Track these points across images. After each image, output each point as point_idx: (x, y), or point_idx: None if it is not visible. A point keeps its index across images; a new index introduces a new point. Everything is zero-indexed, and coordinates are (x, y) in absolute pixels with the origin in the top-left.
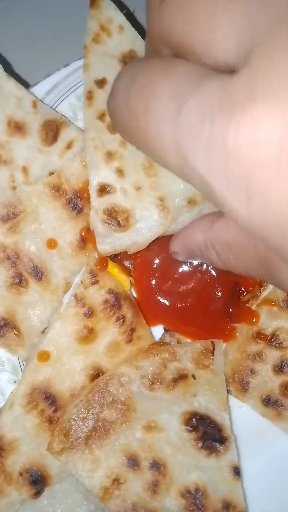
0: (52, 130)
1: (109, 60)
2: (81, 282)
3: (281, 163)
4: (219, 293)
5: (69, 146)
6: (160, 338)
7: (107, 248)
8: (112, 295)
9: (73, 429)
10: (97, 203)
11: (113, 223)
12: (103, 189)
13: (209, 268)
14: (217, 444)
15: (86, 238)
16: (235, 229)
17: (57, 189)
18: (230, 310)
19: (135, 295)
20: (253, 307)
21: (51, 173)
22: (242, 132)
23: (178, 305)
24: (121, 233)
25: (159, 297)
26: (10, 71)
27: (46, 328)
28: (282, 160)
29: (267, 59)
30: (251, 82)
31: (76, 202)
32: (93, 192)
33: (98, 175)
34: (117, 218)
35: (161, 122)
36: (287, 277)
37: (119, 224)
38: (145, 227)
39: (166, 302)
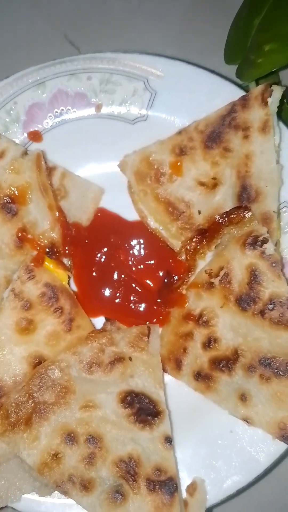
0: None
1: None
2: (18, 278)
3: None
4: (154, 282)
5: (1, 156)
6: (101, 327)
7: None
8: (48, 288)
9: (15, 412)
10: None
11: None
12: None
13: (144, 258)
14: (151, 418)
15: (23, 238)
16: None
17: None
18: (164, 296)
19: (75, 289)
20: (183, 292)
21: None
22: None
23: (117, 296)
24: None
25: (98, 290)
26: None
27: None
28: None
29: None
30: None
31: (10, 206)
32: None
33: None
34: None
35: None
36: None
37: None
38: None
39: (105, 294)
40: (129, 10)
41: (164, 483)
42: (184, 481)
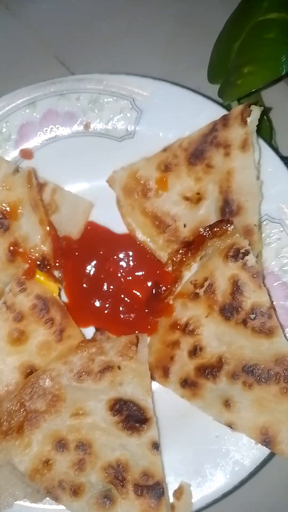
0: None
1: None
2: (10, 290)
3: None
4: (142, 292)
5: None
6: (91, 337)
7: None
8: (40, 300)
9: (7, 421)
10: None
11: None
12: None
13: (132, 270)
14: (139, 424)
15: (15, 252)
16: None
17: None
18: (152, 306)
19: (66, 300)
20: (170, 302)
21: None
22: None
23: (106, 306)
24: None
25: (88, 301)
26: None
27: None
28: None
29: None
30: None
31: (2, 221)
32: None
33: None
34: None
35: None
36: None
37: None
38: None
39: (95, 305)
40: (117, 32)
41: (152, 488)
42: (171, 485)
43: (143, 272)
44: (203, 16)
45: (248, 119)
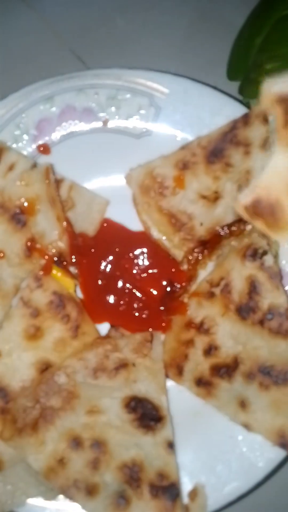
0: None
1: None
2: (27, 286)
3: None
4: (157, 290)
5: (11, 168)
6: (106, 334)
7: None
8: (56, 296)
9: (22, 417)
10: None
11: None
12: None
13: (147, 267)
14: (154, 423)
15: (32, 248)
16: None
17: (1, 206)
18: (166, 304)
19: (81, 296)
20: (185, 300)
21: None
22: None
23: (121, 303)
24: None
25: (103, 297)
26: None
27: None
28: None
29: None
30: None
31: (20, 217)
32: None
33: None
34: None
35: None
36: None
37: None
38: None
39: (110, 301)
40: (133, 27)
41: (167, 489)
42: (185, 486)
43: (158, 270)
44: (222, 10)
45: (270, 118)
